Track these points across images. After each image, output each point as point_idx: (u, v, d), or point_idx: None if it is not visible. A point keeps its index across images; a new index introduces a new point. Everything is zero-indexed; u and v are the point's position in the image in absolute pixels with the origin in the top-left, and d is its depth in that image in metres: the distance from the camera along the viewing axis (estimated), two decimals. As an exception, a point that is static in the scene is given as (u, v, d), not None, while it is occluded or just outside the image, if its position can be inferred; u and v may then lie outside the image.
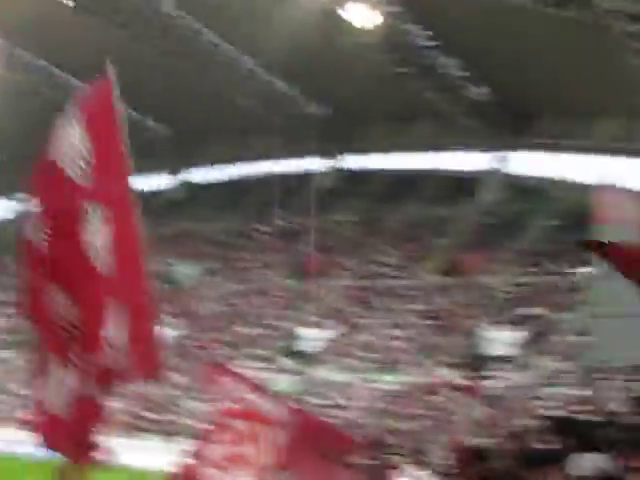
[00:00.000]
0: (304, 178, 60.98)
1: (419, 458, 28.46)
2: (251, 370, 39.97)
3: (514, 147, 53.03)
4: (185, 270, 55.74)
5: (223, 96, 52.35)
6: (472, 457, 8.63)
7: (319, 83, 50.58)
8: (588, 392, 35.49)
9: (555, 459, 7.56)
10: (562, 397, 36.75)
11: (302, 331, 47.09)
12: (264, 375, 41.04)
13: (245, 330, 49.39)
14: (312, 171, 61.04)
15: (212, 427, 7.90)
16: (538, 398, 37.64)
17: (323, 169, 60.44)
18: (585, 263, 38.01)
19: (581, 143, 49.62)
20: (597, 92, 43.33)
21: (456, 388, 39.21)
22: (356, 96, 50.11)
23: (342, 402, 42.07)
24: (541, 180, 52.45)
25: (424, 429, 37.88)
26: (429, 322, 45.72)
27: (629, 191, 8.79)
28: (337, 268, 51.91)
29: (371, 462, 14.23)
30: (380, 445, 16.45)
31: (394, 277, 49.83)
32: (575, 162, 50.95)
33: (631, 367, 34.71)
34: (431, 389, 40.21)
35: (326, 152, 59.49)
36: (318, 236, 54.85)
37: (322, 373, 44.63)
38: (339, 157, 60.30)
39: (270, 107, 55.46)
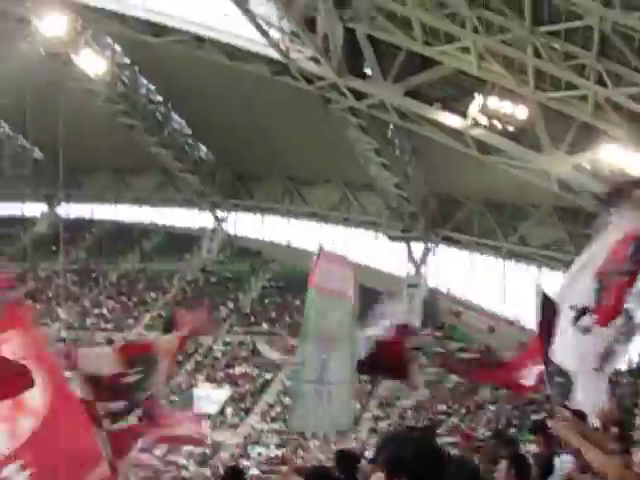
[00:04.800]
0: (20, 223, 59.26)
1: None
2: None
3: (234, 207, 54.18)
4: None
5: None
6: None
7: (44, 128, 49.42)
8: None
9: None
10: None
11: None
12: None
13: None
14: (29, 217, 59.45)
15: None
16: (245, 456, 38.38)
17: (41, 215, 58.89)
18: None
19: (299, 208, 51.63)
20: (315, 160, 45.41)
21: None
22: (81, 143, 49.35)
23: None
24: (258, 242, 53.81)
25: None
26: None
27: (341, 259, 9.38)
28: (51, 318, 50.41)
29: None
30: None
31: (109, 330, 49.08)
32: (292, 226, 52.75)
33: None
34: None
35: (46, 198, 58.07)
36: (32, 284, 53.24)
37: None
38: (59, 204, 58.91)
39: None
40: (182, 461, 38.44)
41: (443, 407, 39.92)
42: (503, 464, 8.01)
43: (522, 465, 8.02)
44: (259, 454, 38.59)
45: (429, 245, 47.67)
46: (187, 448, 38.10)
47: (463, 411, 39.46)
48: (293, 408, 8.70)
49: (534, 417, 36.74)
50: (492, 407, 38.93)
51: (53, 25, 40.63)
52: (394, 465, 3.82)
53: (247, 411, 42.27)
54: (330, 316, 9.17)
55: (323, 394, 8.85)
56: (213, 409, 41.05)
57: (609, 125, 29.78)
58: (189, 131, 50.66)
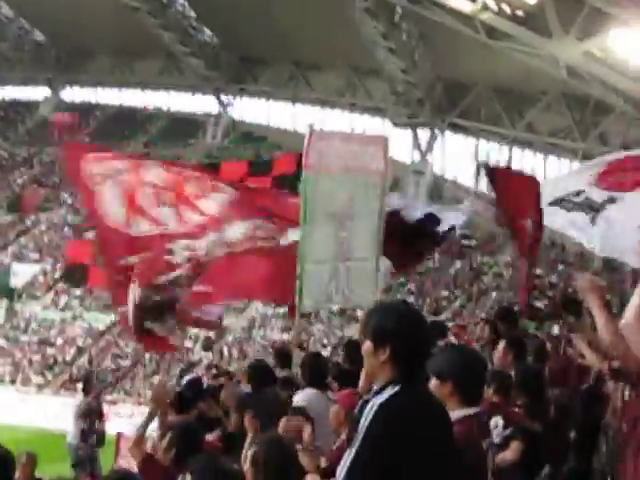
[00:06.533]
0: (24, 107, 58.90)
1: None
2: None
3: (239, 92, 53.64)
4: None
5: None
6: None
7: (44, 11, 48.68)
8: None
9: None
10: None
11: (16, 266, 45.48)
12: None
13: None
14: (33, 100, 59.04)
15: None
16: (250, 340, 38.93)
17: (44, 99, 58.48)
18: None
19: (304, 94, 51.10)
20: (322, 45, 44.68)
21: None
22: (83, 26, 48.74)
23: (54, 339, 41.39)
24: (264, 127, 53.42)
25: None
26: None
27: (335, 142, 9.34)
28: (56, 202, 50.54)
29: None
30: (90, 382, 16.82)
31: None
32: (298, 112, 52.27)
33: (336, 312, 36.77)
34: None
35: (49, 81, 57.59)
36: (38, 168, 53.26)
37: (35, 309, 43.55)
38: (62, 88, 58.47)
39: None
40: (188, 345, 39.08)
41: (445, 293, 40.25)
42: (501, 345, 8.02)
43: (520, 347, 8.00)
44: (262, 337, 39.08)
45: (435, 131, 47.34)
46: (193, 331, 38.74)
47: (465, 297, 39.81)
48: (301, 289, 8.78)
49: (537, 304, 37.24)
50: (495, 293, 39.25)
51: None
52: (378, 335, 3.85)
53: (252, 296, 42.58)
54: (338, 194, 9.23)
55: (339, 271, 8.90)
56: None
57: (620, 10, 29.14)
58: (193, 14, 49.77)
